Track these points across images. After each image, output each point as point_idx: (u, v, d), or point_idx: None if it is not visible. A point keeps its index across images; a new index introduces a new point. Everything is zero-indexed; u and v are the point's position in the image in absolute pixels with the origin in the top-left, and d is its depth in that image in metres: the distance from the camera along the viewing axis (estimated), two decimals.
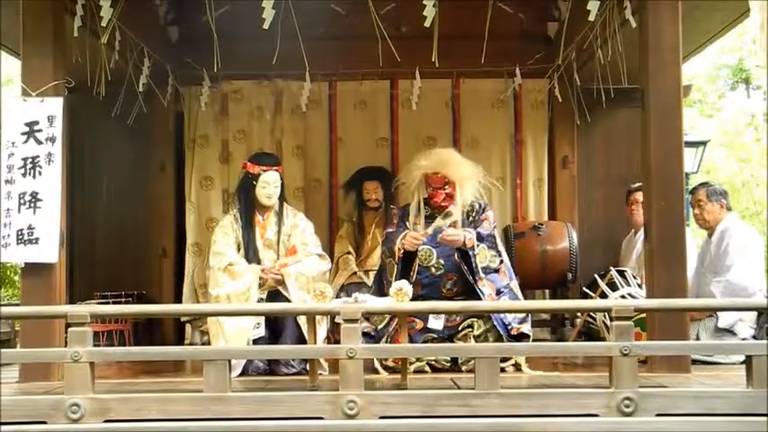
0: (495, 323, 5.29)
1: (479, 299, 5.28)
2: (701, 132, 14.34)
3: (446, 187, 5.57)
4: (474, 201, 5.70)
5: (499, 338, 5.26)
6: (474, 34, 5.81)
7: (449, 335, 5.36)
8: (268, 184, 5.63)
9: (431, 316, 5.35)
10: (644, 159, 5.17)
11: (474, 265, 5.41)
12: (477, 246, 5.45)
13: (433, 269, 5.53)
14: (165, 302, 7.33)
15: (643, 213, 5.46)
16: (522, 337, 5.31)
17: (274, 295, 5.47)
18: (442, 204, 5.58)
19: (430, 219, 5.65)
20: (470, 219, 5.66)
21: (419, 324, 5.36)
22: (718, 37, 6.81)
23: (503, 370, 4.92)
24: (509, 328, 5.29)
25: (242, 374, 5.17)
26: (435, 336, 5.35)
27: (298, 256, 5.59)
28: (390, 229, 5.73)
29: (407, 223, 5.70)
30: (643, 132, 5.16)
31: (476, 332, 5.34)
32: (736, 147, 16.89)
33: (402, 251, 5.48)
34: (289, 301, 5.36)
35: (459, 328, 5.38)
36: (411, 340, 5.07)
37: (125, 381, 4.96)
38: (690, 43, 6.34)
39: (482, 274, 5.42)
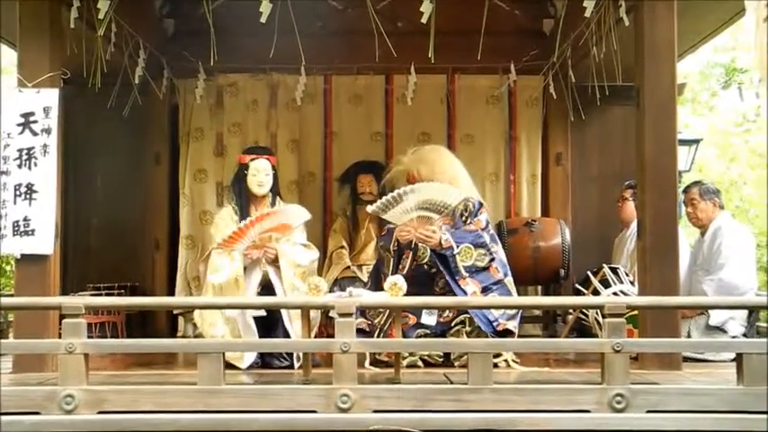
0: (478, 320, 5.25)
1: None
2: (693, 131, 14.36)
3: None
4: (468, 201, 5.66)
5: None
6: (470, 30, 5.80)
7: (441, 331, 5.37)
8: (258, 172, 5.65)
9: (424, 312, 5.35)
10: (638, 157, 5.19)
11: (453, 265, 5.39)
12: (458, 246, 5.43)
13: (426, 266, 5.53)
14: (157, 295, 7.35)
15: (637, 211, 5.48)
16: (506, 333, 5.30)
17: (268, 289, 5.48)
18: None
19: None
20: (463, 218, 5.65)
21: (412, 319, 5.36)
22: (712, 36, 6.82)
23: (495, 366, 4.95)
24: (495, 324, 5.28)
25: (237, 367, 5.18)
26: (428, 331, 5.36)
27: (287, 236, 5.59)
28: (390, 225, 5.70)
29: None
30: (637, 130, 5.18)
31: (468, 328, 5.35)
32: (724, 146, 16.91)
33: (396, 243, 5.49)
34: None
35: (452, 324, 5.39)
36: (404, 335, 5.08)
37: (118, 372, 4.97)
38: (684, 42, 6.36)
39: (464, 273, 5.39)
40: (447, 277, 5.39)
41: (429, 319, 5.36)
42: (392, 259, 5.50)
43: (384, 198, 5.21)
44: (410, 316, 5.35)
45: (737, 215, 14.83)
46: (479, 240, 5.49)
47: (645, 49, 5.08)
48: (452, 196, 5.27)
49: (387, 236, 5.62)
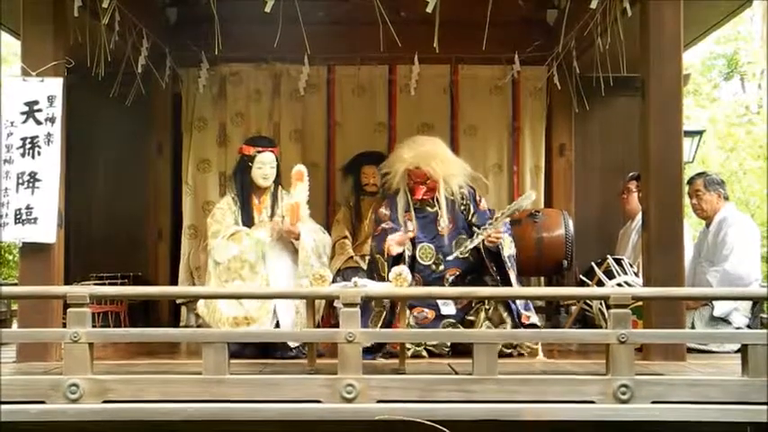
0: (512, 313, 5.32)
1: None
2: (696, 122, 14.36)
3: (427, 182, 5.54)
4: (461, 189, 5.65)
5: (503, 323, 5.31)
6: (473, 21, 5.79)
7: (462, 317, 5.39)
8: (264, 165, 5.65)
9: (441, 304, 5.35)
10: (643, 148, 5.17)
11: (504, 258, 5.43)
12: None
13: (434, 266, 5.53)
14: (160, 284, 7.34)
15: (641, 202, 5.48)
16: (530, 326, 5.34)
17: None
18: (423, 198, 5.58)
19: (420, 211, 5.65)
20: (463, 207, 5.64)
21: (431, 313, 5.35)
22: (717, 27, 6.82)
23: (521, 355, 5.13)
24: (520, 316, 5.31)
25: (239, 357, 5.17)
26: (453, 320, 5.36)
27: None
28: (385, 225, 5.68)
29: (398, 211, 5.69)
30: (643, 121, 5.16)
31: (487, 305, 5.35)
32: (724, 137, 16.89)
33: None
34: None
35: (472, 305, 5.40)
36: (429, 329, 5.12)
37: (122, 362, 4.96)
38: (689, 33, 6.34)
39: (509, 264, 5.43)
40: (496, 270, 5.48)
41: (448, 308, 5.36)
42: (386, 264, 5.45)
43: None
44: (427, 311, 5.34)
45: (739, 206, 14.85)
46: (508, 228, 5.57)
47: (650, 42, 5.06)
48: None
49: (380, 237, 5.60)
